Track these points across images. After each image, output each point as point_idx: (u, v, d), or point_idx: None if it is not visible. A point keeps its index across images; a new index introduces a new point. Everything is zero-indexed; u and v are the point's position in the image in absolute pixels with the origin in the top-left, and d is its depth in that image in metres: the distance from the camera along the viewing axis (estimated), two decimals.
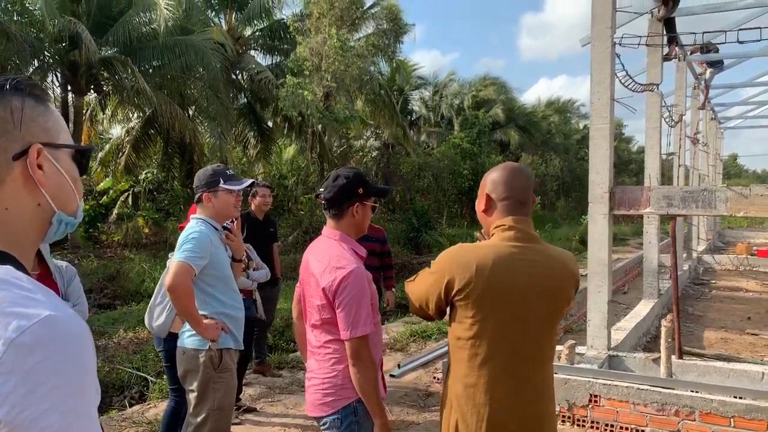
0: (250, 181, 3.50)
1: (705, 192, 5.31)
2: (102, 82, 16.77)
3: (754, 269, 13.75)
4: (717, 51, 12.39)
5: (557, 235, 22.94)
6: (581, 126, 42.16)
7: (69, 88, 16.15)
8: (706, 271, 14.07)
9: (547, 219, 27.12)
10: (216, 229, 3.28)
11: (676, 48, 8.50)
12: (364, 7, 16.18)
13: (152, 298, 3.90)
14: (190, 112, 19.12)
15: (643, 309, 8.04)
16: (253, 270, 4.76)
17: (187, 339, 3.19)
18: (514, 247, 2.06)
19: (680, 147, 10.87)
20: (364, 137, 29.86)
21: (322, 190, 2.54)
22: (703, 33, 6.77)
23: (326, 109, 14.65)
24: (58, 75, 16.05)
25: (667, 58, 8.40)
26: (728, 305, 10.25)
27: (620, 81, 6.09)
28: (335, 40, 13.28)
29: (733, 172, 62.03)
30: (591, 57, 5.65)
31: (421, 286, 2.17)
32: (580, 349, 5.73)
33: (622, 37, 5.65)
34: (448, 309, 2.14)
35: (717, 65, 13.11)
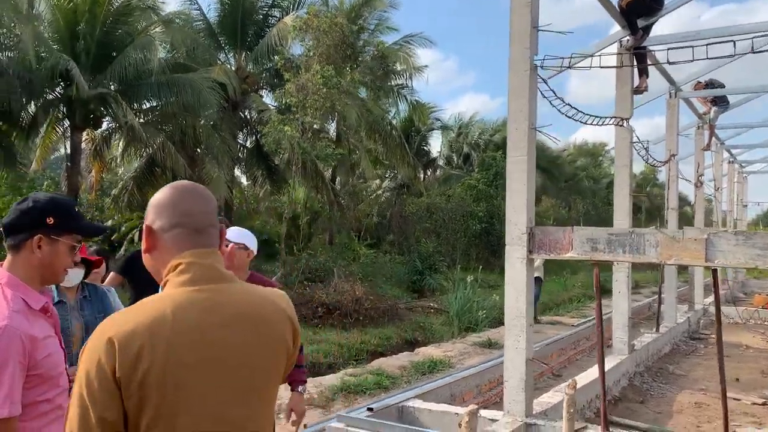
0: None
1: (633, 235, 4.60)
2: (101, 119, 16.87)
3: (766, 323, 12.53)
4: (723, 86, 11.62)
5: (572, 282, 21.95)
6: (612, 170, 41.03)
7: (67, 124, 16.31)
8: (710, 324, 12.86)
9: (565, 264, 26.03)
10: None
11: (647, 81, 7.81)
12: (356, 47, 15.90)
13: None
14: (199, 151, 19.05)
15: (606, 366, 7.15)
16: None
17: None
18: (198, 291, 1.39)
19: (668, 188, 10.04)
20: (380, 178, 29.47)
21: None
22: (668, 49, 6.08)
23: (310, 146, 14.21)
24: (58, 111, 16.20)
25: (637, 91, 7.73)
26: None
27: (552, 104, 5.45)
28: (319, 77, 12.98)
29: None
30: (509, 81, 5.06)
31: (75, 409, 1.29)
32: (495, 414, 5.00)
33: (544, 58, 5.03)
34: None
35: (722, 104, 12.26)
